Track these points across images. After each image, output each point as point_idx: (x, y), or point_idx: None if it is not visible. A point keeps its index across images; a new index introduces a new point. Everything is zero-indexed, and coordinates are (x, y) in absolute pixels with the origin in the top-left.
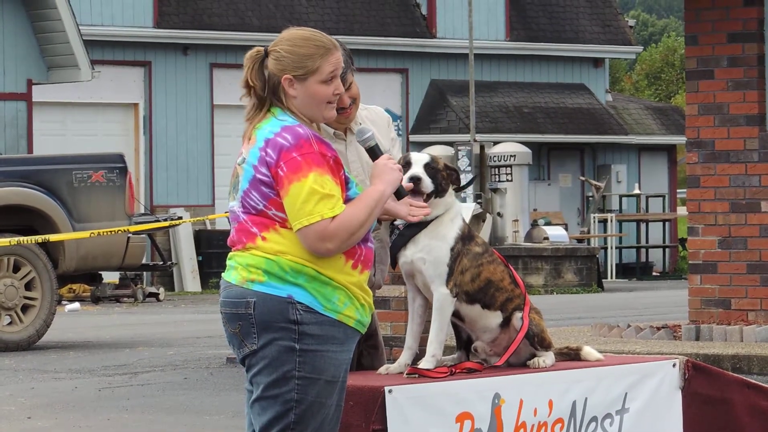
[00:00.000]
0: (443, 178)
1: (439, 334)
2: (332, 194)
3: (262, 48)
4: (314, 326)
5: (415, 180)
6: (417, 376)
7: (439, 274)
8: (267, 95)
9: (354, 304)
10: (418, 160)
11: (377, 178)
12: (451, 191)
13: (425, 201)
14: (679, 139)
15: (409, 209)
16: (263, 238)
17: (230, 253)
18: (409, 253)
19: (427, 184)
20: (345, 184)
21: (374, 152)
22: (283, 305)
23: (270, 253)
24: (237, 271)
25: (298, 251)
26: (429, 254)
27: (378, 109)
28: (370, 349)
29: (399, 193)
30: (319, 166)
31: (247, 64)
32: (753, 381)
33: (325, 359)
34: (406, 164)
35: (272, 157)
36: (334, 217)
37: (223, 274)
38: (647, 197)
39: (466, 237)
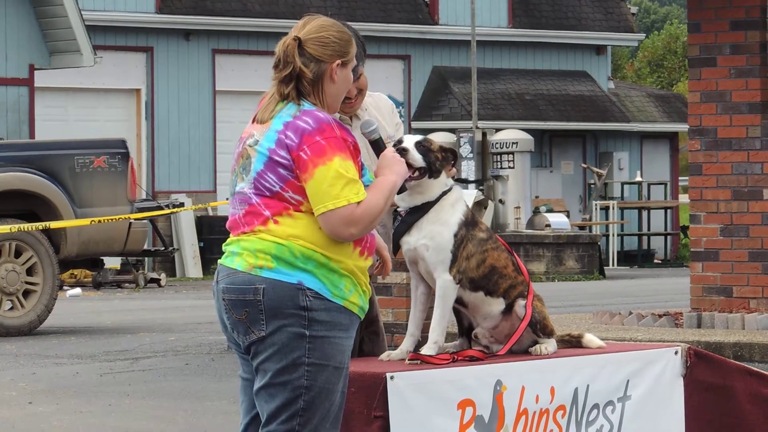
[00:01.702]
0: (437, 158)
1: (442, 320)
2: (356, 179)
3: (293, 36)
4: (323, 312)
5: (402, 151)
6: (419, 362)
7: (442, 261)
8: (310, 82)
9: (358, 291)
10: (410, 138)
11: (387, 169)
12: (445, 174)
13: (419, 178)
14: (681, 127)
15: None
16: (275, 221)
17: (231, 238)
18: (412, 240)
19: (416, 158)
20: (360, 170)
21: (378, 145)
22: (293, 292)
23: (281, 237)
24: (242, 257)
25: (310, 236)
26: (432, 240)
27: (382, 96)
28: (371, 336)
29: (401, 188)
30: (342, 150)
31: (291, 51)
32: (755, 369)
33: (333, 345)
34: (398, 142)
35: (293, 140)
36: (359, 203)
37: (222, 260)
38: (649, 185)
39: (470, 222)
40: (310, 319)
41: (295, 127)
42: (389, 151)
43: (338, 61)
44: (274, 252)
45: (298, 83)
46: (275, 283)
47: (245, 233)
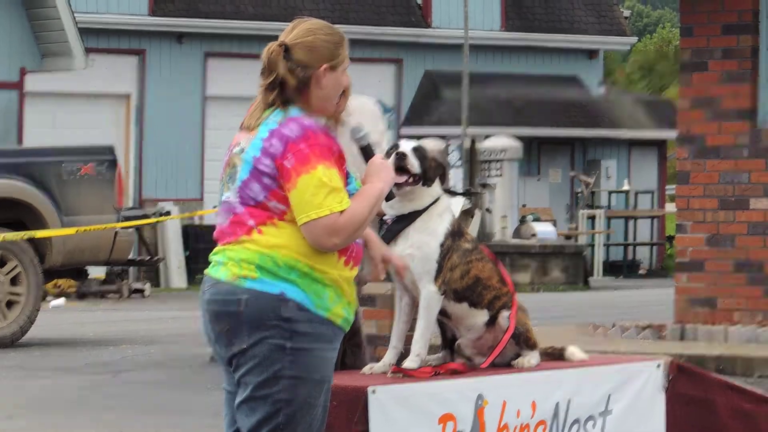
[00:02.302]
0: (431, 166)
1: (425, 332)
2: (340, 188)
3: (278, 43)
4: (305, 324)
5: (401, 156)
6: (401, 375)
7: (428, 271)
8: (294, 88)
9: (342, 302)
10: (407, 144)
11: (374, 176)
12: (437, 182)
13: (413, 185)
14: (669, 134)
15: (380, 268)
16: (260, 231)
17: (217, 248)
18: (399, 249)
19: (414, 164)
20: (346, 178)
21: (367, 152)
22: (275, 302)
23: (265, 246)
24: (227, 266)
25: (294, 245)
26: (419, 250)
27: (368, 101)
28: (353, 348)
29: (387, 195)
30: (326, 158)
31: (274, 59)
32: (736, 383)
33: (314, 358)
34: (394, 147)
35: (277, 148)
36: (342, 212)
37: (207, 271)
38: (637, 193)
39: (456, 233)
40: (292, 330)
41: (280, 134)
42: (377, 157)
43: (326, 65)
44: (257, 261)
45: (282, 90)
46: (258, 294)
47: (230, 243)
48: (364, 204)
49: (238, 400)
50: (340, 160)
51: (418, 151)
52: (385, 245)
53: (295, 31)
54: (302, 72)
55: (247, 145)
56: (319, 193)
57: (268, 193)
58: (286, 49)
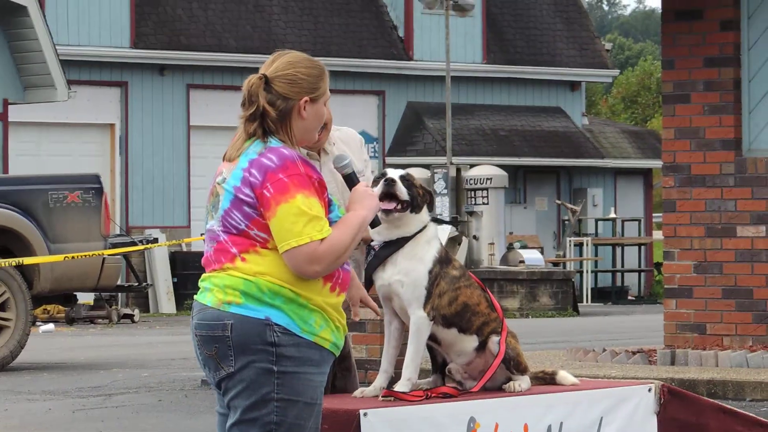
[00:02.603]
0: (418, 194)
1: (416, 357)
2: (320, 216)
3: (258, 75)
4: (292, 348)
5: (390, 182)
6: (392, 399)
7: (417, 297)
8: (274, 120)
9: (330, 327)
10: (394, 172)
11: (357, 204)
12: (425, 209)
13: (402, 211)
14: (655, 163)
15: (355, 310)
16: (243, 259)
17: (204, 275)
18: (387, 275)
19: (402, 190)
20: (328, 206)
21: (351, 179)
22: (261, 327)
23: (249, 274)
24: (212, 293)
25: (278, 272)
26: (407, 276)
27: (350, 130)
28: (343, 372)
29: (373, 222)
30: (305, 187)
31: (255, 90)
32: (728, 406)
33: (303, 381)
34: (382, 175)
35: (257, 177)
36: (322, 240)
37: (196, 296)
38: (623, 221)
39: (444, 260)
40: (278, 354)
41: (259, 164)
42: (361, 185)
43: (306, 98)
44: (241, 288)
45: (263, 121)
46: (243, 319)
47: (216, 270)
48: (345, 232)
49: (228, 423)
50: (320, 188)
51: (406, 179)
52: (362, 288)
53: (275, 63)
54: (283, 104)
55: (228, 174)
56: (298, 221)
57: (250, 222)
58: (267, 81)
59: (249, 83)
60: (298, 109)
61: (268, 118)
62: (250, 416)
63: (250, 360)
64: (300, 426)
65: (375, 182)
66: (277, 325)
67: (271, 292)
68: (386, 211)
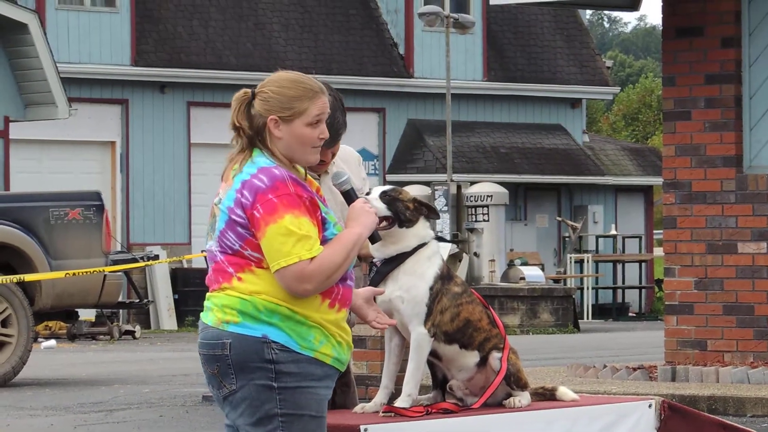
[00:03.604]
0: (406, 208)
1: (416, 373)
2: (309, 235)
3: (249, 89)
4: (291, 364)
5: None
6: (393, 415)
7: (417, 314)
8: (253, 136)
9: (330, 342)
10: (377, 189)
11: (354, 221)
12: (423, 223)
13: (387, 228)
14: (655, 180)
15: (376, 316)
16: (239, 279)
17: (208, 294)
18: (388, 291)
19: (378, 207)
20: (322, 224)
21: (350, 196)
22: (258, 345)
23: (245, 293)
24: (213, 312)
25: (273, 291)
26: (407, 293)
27: (348, 148)
28: (342, 387)
29: (373, 238)
30: (295, 207)
31: (234, 105)
32: (729, 422)
33: (305, 395)
34: (367, 194)
35: (248, 198)
36: (312, 259)
37: (201, 315)
38: (624, 238)
39: (445, 276)
40: (277, 371)
41: (251, 185)
42: (359, 202)
43: (274, 117)
44: (238, 307)
45: (241, 135)
46: (240, 338)
47: (215, 290)
48: (337, 250)
49: None
50: (312, 207)
51: (387, 195)
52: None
53: (266, 80)
54: (258, 120)
55: (224, 195)
56: (287, 241)
57: (243, 242)
58: (253, 96)
59: (235, 95)
60: (269, 128)
61: (243, 133)
62: None
63: (250, 378)
64: None
65: None
66: (274, 342)
67: (268, 311)
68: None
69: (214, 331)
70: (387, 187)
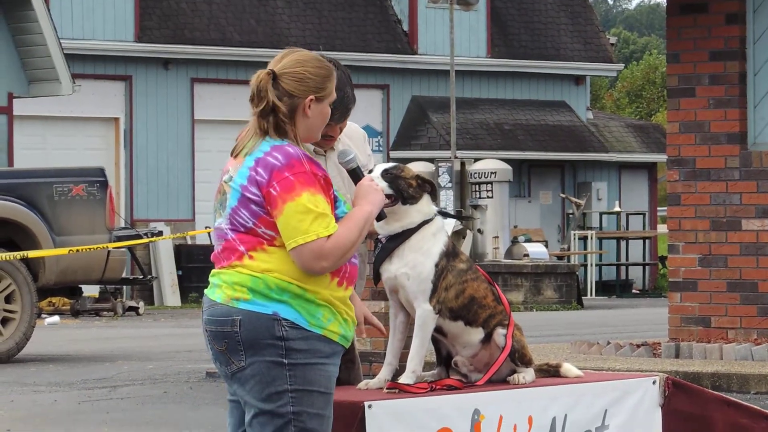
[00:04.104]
0: (409, 185)
1: (420, 349)
2: (326, 213)
3: (267, 71)
4: (300, 341)
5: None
6: (397, 391)
7: (423, 291)
8: (271, 116)
9: (338, 320)
10: (379, 167)
11: (363, 199)
12: (426, 199)
13: (390, 205)
14: (659, 157)
15: (361, 329)
16: (250, 257)
17: (214, 270)
18: (393, 268)
19: (381, 186)
20: (334, 202)
21: (356, 174)
22: (269, 322)
23: (256, 271)
24: (222, 289)
25: (285, 269)
26: (413, 270)
27: (353, 125)
28: (347, 363)
29: (380, 215)
30: (311, 185)
31: (265, 87)
32: (733, 399)
33: (315, 371)
34: (369, 172)
35: (263, 176)
36: (329, 236)
37: (205, 291)
38: (627, 215)
39: (451, 253)
40: (287, 348)
41: (265, 163)
42: (366, 180)
43: (312, 97)
44: (249, 284)
45: (275, 117)
46: (251, 315)
47: (224, 268)
48: (351, 227)
49: (246, 418)
50: (326, 185)
51: (389, 173)
52: (364, 306)
53: (284, 60)
54: (289, 101)
55: (235, 173)
56: (305, 219)
57: (257, 220)
58: (275, 77)
59: (257, 78)
60: (303, 108)
61: (280, 114)
62: (267, 408)
63: (260, 355)
64: (320, 416)
65: None
66: (285, 319)
67: (279, 288)
68: None
69: (224, 308)
70: (388, 165)
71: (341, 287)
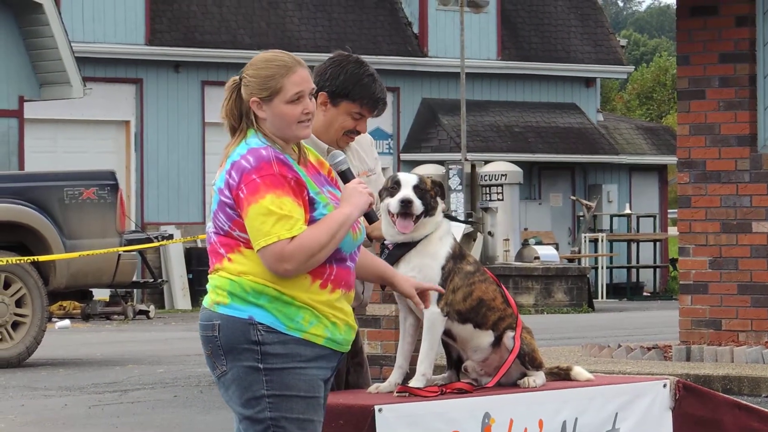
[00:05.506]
0: (431, 197)
1: (430, 353)
2: (291, 215)
3: (238, 77)
4: (277, 345)
5: (407, 202)
6: (407, 394)
7: (430, 293)
8: (243, 120)
9: (322, 323)
10: (407, 181)
11: (345, 201)
12: (440, 208)
13: (415, 222)
14: (670, 160)
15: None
16: (229, 260)
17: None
18: (400, 272)
19: (418, 206)
20: (310, 205)
21: (345, 176)
22: (245, 327)
23: (234, 274)
24: (208, 293)
25: (260, 272)
26: (420, 273)
27: None
28: (356, 367)
29: (369, 218)
30: (277, 187)
31: (226, 94)
32: (744, 402)
33: (293, 376)
34: (395, 185)
35: (235, 179)
36: (292, 239)
37: None
38: (638, 217)
39: (457, 256)
40: (263, 353)
41: (238, 166)
42: (353, 182)
43: (255, 99)
44: (228, 288)
45: (236, 121)
46: (228, 319)
47: (211, 271)
48: (322, 229)
49: (234, 424)
50: (297, 187)
51: (419, 188)
52: (410, 279)
53: (248, 63)
54: (240, 104)
55: (217, 177)
56: (267, 221)
57: (231, 223)
58: (241, 81)
59: (226, 84)
60: (253, 111)
61: (234, 120)
62: (247, 414)
63: (237, 360)
64: (301, 420)
65: (388, 190)
66: (260, 324)
67: (255, 292)
68: (404, 226)
69: (207, 312)
70: (415, 179)
71: (325, 290)
